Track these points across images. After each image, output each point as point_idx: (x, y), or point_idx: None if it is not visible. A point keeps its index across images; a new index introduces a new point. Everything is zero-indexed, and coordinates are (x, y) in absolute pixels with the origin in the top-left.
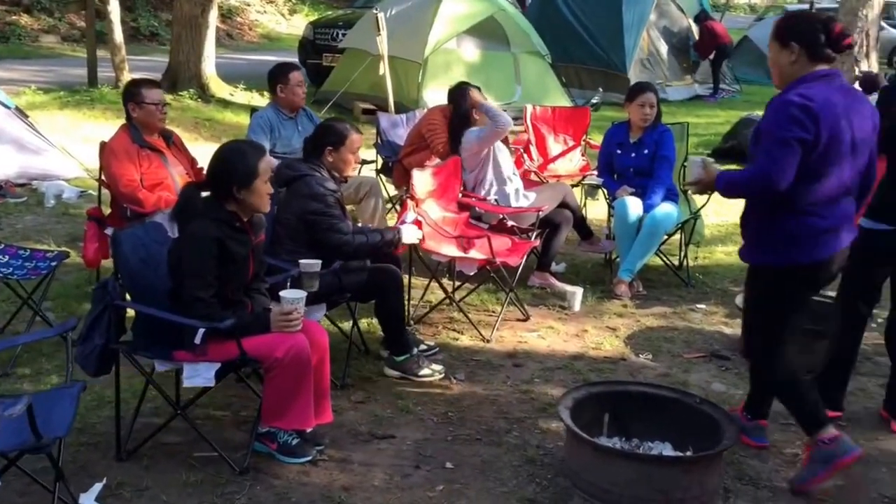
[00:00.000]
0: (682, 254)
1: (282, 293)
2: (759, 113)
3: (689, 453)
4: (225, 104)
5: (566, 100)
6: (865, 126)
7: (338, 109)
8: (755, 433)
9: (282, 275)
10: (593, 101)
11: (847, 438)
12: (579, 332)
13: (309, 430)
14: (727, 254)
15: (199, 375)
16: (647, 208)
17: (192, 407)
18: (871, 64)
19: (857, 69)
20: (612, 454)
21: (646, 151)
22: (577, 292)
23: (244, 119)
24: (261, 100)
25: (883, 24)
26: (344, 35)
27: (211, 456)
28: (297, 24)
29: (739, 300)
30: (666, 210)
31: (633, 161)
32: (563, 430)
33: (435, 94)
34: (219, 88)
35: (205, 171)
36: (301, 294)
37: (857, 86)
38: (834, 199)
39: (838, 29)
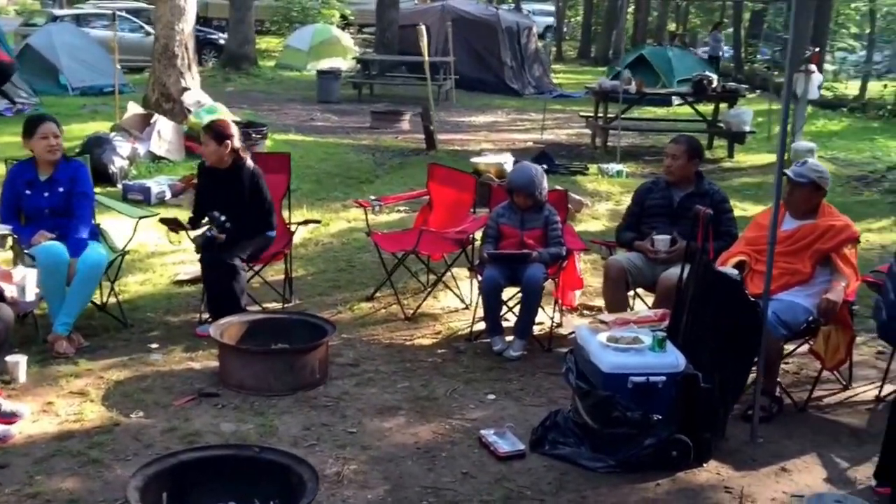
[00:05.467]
0: (108, 293)
1: None
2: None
3: None
4: None
5: None
6: None
7: None
8: None
9: None
10: None
11: None
12: (45, 406)
13: None
14: (141, 283)
15: None
16: (75, 252)
17: None
18: (193, 75)
19: (182, 81)
20: None
21: (61, 189)
22: (19, 361)
23: None
24: None
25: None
26: None
27: None
28: None
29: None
30: (98, 251)
31: (48, 201)
32: None
33: None
34: None
35: None
36: None
37: None
38: None
39: None
